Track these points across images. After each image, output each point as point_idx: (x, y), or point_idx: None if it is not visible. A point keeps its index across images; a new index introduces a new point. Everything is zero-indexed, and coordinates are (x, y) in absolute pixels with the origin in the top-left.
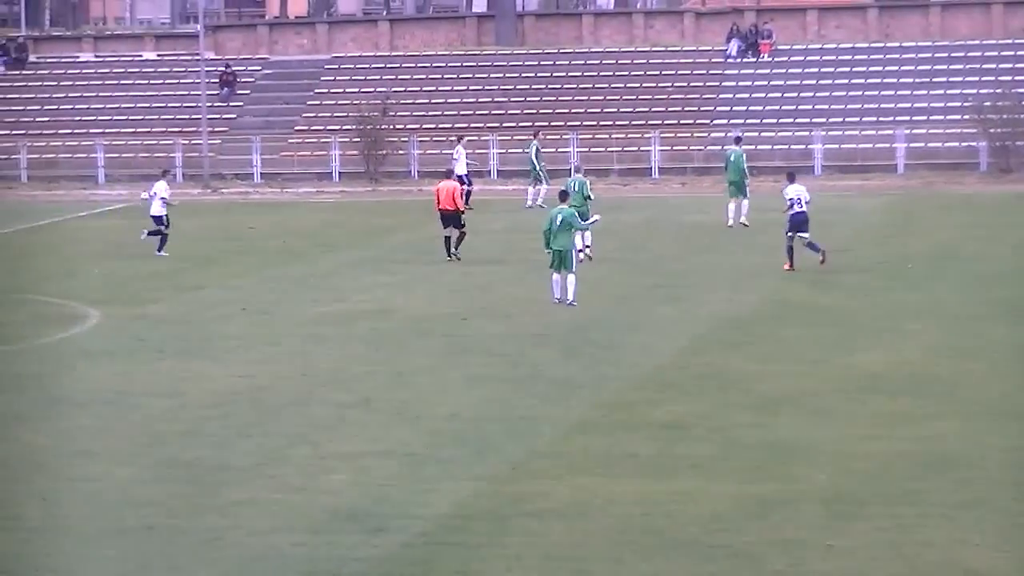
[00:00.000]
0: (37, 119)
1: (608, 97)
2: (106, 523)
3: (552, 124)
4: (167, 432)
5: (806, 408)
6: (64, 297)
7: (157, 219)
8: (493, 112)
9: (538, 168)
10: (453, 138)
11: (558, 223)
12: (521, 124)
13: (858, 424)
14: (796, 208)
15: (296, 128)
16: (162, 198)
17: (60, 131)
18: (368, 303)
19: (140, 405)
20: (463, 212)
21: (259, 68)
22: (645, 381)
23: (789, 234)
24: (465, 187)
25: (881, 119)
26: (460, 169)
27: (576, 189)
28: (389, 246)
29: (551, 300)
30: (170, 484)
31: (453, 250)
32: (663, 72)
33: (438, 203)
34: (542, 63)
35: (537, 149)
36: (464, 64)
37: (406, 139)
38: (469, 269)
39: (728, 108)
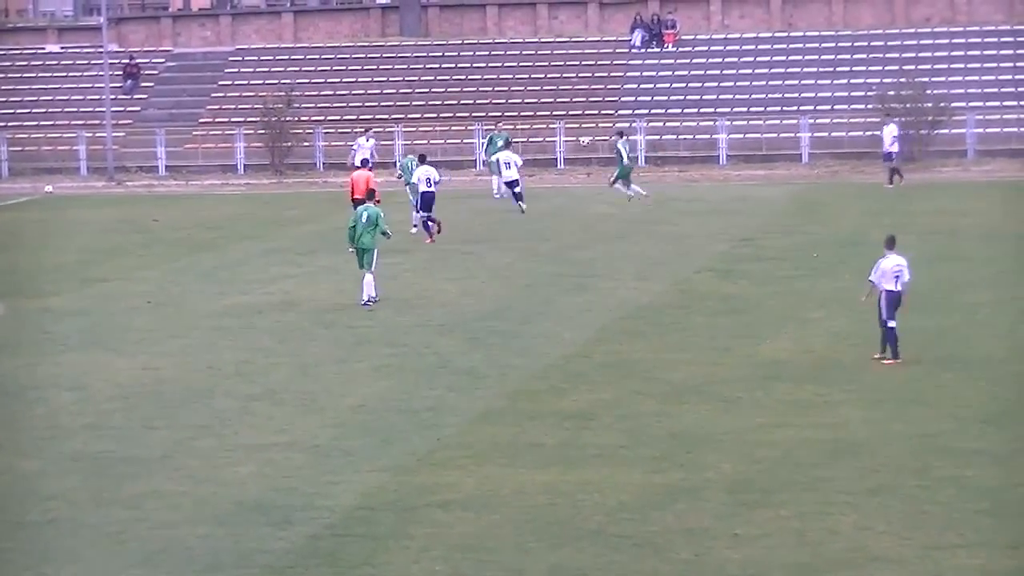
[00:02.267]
0: None
1: (513, 88)
2: (7, 516)
3: (457, 115)
4: (71, 425)
5: (712, 397)
6: None
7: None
8: (398, 104)
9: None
10: (360, 129)
11: (364, 221)
12: (426, 116)
13: (763, 412)
14: (423, 188)
15: (200, 120)
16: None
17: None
18: (274, 295)
19: (44, 398)
20: (379, 201)
21: (163, 60)
22: (551, 370)
23: (420, 212)
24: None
25: (785, 109)
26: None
27: (410, 168)
28: (295, 238)
29: (357, 302)
30: (74, 477)
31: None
32: (567, 63)
33: (353, 193)
34: (447, 54)
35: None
36: (369, 56)
37: (311, 131)
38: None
39: (633, 99)
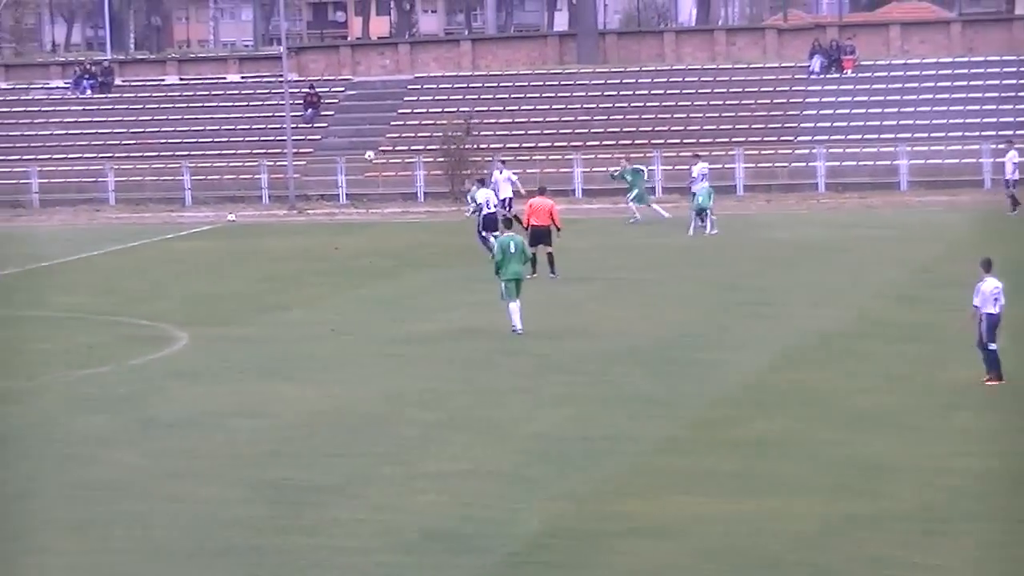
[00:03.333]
0: (123, 142)
1: (691, 115)
2: (192, 544)
3: (636, 142)
4: (253, 453)
5: (891, 424)
6: (153, 319)
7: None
8: (576, 131)
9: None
10: (500, 159)
11: (512, 251)
12: (604, 143)
13: (944, 440)
14: (487, 210)
15: (380, 148)
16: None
17: (146, 154)
18: (454, 322)
19: (227, 426)
20: (559, 230)
21: (342, 89)
22: (729, 398)
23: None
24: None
25: (967, 134)
26: (505, 193)
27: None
28: (475, 265)
29: (515, 331)
30: (256, 504)
31: (551, 271)
32: (746, 89)
33: (529, 219)
34: (624, 81)
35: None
36: (546, 83)
37: (489, 158)
38: (556, 288)
39: (812, 124)
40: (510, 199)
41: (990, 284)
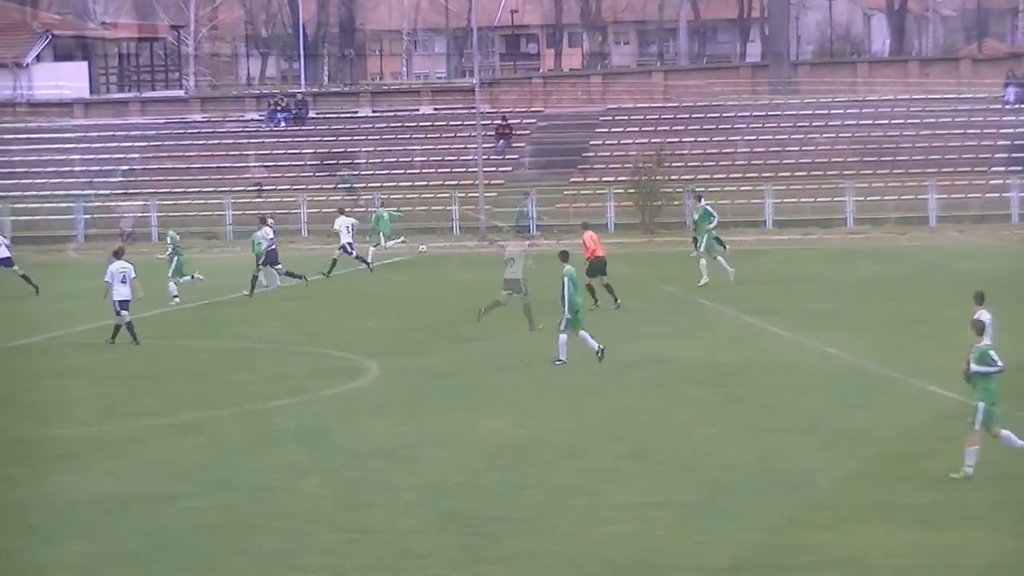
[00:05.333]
0: (317, 174)
1: (883, 145)
2: (386, 574)
3: (828, 173)
4: (445, 484)
5: None
6: (344, 350)
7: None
8: (768, 162)
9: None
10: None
11: (576, 281)
12: (796, 173)
13: None
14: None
15: (571, 180)
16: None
17: (339, 185)
18: (642, 353)
19: (418, 457)
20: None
21: (534, 120)
22: (921, 430)
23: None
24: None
25: None
26: (346, 238)
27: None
28: (662, 296)
29: (598, 354)
30: (449, 535)
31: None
32: (939, 119)
33: (593, 251)
34: (817, 112)
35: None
36: (738, 114)
37: (680, 190)
38: (743, 319)
39: (1006, 155)
40: (351, 243)
41: (983, 317)
